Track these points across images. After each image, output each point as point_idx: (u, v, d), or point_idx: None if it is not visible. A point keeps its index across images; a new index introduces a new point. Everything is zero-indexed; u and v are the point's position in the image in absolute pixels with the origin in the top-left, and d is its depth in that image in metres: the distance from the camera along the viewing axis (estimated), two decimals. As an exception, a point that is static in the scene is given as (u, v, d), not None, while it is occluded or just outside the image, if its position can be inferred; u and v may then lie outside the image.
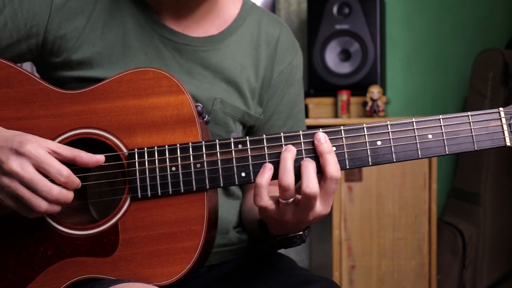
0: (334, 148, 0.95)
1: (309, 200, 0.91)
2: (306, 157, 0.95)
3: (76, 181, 0.94)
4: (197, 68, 1.13)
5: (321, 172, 0.93)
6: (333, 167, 0.92)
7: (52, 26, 1.09)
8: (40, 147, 0.92)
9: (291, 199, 0.93)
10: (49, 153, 0.93)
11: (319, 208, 0.94)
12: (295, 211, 0.94)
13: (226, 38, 1.17)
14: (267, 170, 0.93)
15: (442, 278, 2.69)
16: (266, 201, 0.93)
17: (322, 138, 0.94)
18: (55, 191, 0.91)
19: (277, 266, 1.17)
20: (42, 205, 0.92)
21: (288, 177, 0.91)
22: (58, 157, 0.94)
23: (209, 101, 1.13)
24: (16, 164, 0.90)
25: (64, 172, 0.92)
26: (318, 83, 2.66)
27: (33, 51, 1.12)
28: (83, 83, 1.08)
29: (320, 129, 0.96)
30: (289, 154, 0.93)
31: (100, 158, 0.96)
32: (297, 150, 0.95)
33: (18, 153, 0.91)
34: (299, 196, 0.93)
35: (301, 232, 1.03)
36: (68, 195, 0.93)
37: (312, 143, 0.95)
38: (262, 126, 1.24)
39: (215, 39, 1.16)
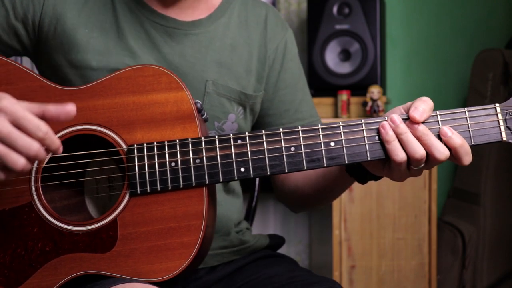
0: (333, 144, 0.96)
1: (438, 162, 0.93)
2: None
3: (56, 141, 0.89)
4: (188, 51, 1.14)
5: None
6: (416, 147, 0.93)
7: (48, 8, 1.10)
8: (17, 103, 0.88)
9: (422, 164, 0.94)
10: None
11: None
12: (424, 166, 0.95)
13: (214, 21, 1.18)
14: (389, 127, 0.94)
15: (442, 278, 2.68)
16: (404, 153, 0.93)
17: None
18: (35, 146, 0.86)
19: (279, 267, 1.17)
20: (20, 161, 0.87)
21: (419, 147, 0.92)
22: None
23: (202, 83, 1.14)
24: None
25: (43, 127, 0.87)
26: (318, 83, 2.66)
27: (29, 33, 1.12)
28: (79, 70, 1.09)
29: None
30: (406, 129, 0.93)
31: (70, 108, 0.89)
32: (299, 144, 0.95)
33: None
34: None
35: None
36: (45, 153, 0.88)
37: (312, 137, 0.95)
38: (271, 103, 1.25)
39: (203, 22, 1.17)
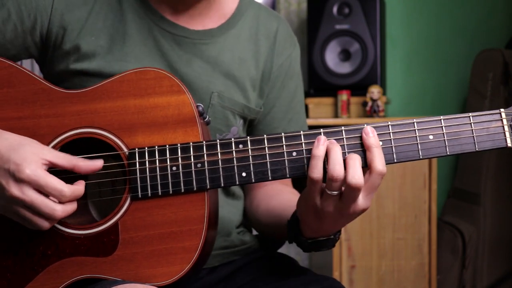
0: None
1: (354, 191, 0.90)
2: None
3: (79, 192, 0.94)
4: (196, 60, 1.14)
5: (366, 166, 0.93)
6: (380, 161, 0.92)
7: (55, 18, 1.10)
8: (38, 167, 0.91)
9: (337, 192, 0.92)
10: (46, 164, 0.92)
11: (361, 201, 0.93)
12: (338, 203, 0.92)
13: (225, 32, 1.17)
14: (323, 141, 0.92)
15: (442, 278, 2.69)
16: (321, 173, 0.92)
17: (370, 132, 0.93)
18: (59, 212, 0.91)
19: (279, 266, 1.17)
20: (46, 225, 0.93)
21: (340, 167, 0.90)
22: (56, 167, 0.93)
23: (207, 95, 1.13)
24: (16, 190, 0.90)
25: (66, 192, 0.91)
26: (318, 83, 2.66)
27: (37, 44, 1.12)
28: (85, 76, 1.09)
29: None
30: (337, 147, 0.92)
31: (98, 164, 0.95)
32: (305, 149, 0.95)
33: (17, 178, 0.90)
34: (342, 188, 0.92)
35: (332, 236, 1.01)
36: (73, 207, 0.94)
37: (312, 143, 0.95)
38: (263, 119, 1.24)
39: (214, 33, 1.16)
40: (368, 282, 2.43)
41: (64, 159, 0.94)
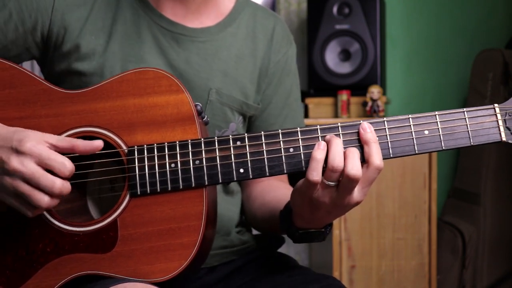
0: None
1: (351, 182, 0.91)
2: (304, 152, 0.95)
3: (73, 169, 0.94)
4: (194, 58, 1.15)
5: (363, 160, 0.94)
6: (378, 156, 0.93)
7: (56, 18, 1.11)
8: (40, 143, 0.92)
9: (334, 182, 0.93)
10: (48, 147, 0.93)
11: (356, 194, 0.94)
12: (334, 194, 0.93)
13: (222, 30, 1.19)
14: (323, 146, 0.93)
15: (442, 278, 2.69)
16: (320, 176, 0.92)
17: (367, 128, 0.94)
18: (58, 184, 0.91)
19: (279, 266, 1.18)
20: (44, 200, 0.91)
21: (340, 158, 0.91)
22: (57, 150, 0.94)
23: (205, 91, 1.14)
24: (17, 162, 0.91)
25: (68, 164, 0.92)
26: (318, 83, 2.66)
27: (38, 44, 1.13)
28: (86, 76, 1.10)
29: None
30: (338, 139, 0.93)
31: (96, 144, 0.95)
32: (294, 146, 0.95)
33: (19, 152, 0.91)
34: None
35: (323, 229, 1.02)
36: (69, 186, 0.93)
37: (311, 139, 0.96)
38: (260, 115, 1.25)
39: (211, 30, 1.17)
40: (368, 282, 2.43)
41: (65, 141, 0.94)
